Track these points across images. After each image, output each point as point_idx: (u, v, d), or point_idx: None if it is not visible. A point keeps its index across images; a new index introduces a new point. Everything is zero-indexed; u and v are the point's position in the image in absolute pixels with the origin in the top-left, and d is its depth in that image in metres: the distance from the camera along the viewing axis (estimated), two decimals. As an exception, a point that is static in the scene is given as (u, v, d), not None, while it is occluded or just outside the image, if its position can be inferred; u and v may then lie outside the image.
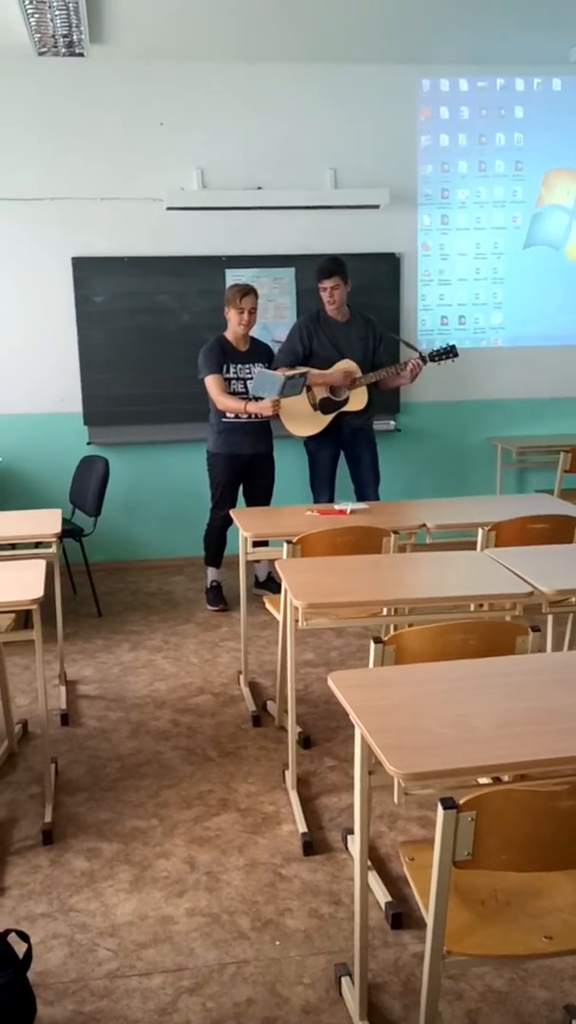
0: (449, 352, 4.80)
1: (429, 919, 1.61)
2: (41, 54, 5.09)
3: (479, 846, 1.54)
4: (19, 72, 5.25)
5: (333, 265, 4.76)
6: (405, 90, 5.66)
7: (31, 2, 4.32)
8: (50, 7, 4.40)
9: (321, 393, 4.85)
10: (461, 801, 1.52)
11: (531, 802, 1.54)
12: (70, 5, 4.37)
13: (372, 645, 2.26)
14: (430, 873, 1.58)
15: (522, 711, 1.86)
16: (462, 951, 1.66)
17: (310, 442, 5.02)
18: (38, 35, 4.79)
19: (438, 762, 1.66)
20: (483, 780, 2.03)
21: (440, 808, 1.52)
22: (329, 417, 4.85)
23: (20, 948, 2.03)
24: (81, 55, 5.13)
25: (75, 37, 4.84)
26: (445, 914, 1.60)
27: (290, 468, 5.24)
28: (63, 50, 5.05)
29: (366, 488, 5.05)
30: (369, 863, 2.56)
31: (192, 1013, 2.09)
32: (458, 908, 1.75)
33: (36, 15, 4.50)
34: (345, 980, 2.15)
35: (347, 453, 5.09)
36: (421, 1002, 1.68)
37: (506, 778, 1.98)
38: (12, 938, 2.02)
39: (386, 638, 2.28)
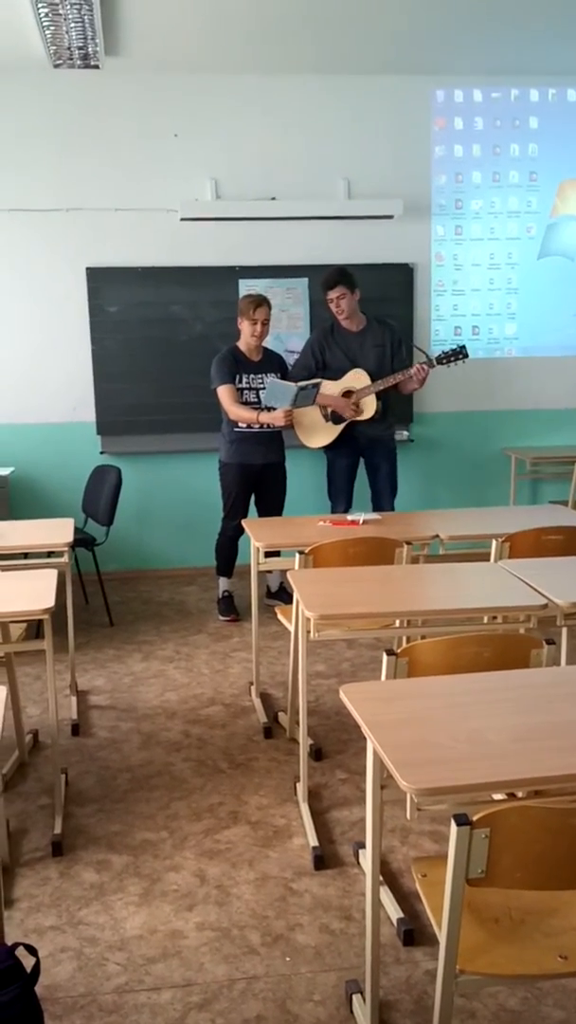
0: (458, 353, 4.74)
1: (442, 937, 1.58)
2: (57, 66, 5.12)
3: (493, 863, 1.52)
4: (35, 84, 5.28)
5: (336, 275, 4.75)
6: (419, 101, 5.66)
7: (47, 15, 4.35)
8: (65, 19, 4.43)
9: (332, 404, 4.84)
10: (475, 818, 1.50)
11: (546, 819, 1.51)
12: (85, 17, 4.40)
13: (384, 657, 2.24)
14: (443, 890, 1.56)
15: (537, 725, 1.84)
16: (475, 970, 1.63)
17: (328, 451, 5.01)
18: (54, 47, 4.82)
19: (451, 777, 1.63)
20: (497, 796, 2.00)
21: (453, 824, 1.49)
22: (340, 427, 4.84)
23: (28, 962, 2.01)
24: (96, 67, 5.15)
25: (90, 49, 4.87)
26: (458, 932, 1.58)
27: (303, 478, 5.23)
28: (78, 62, 5.07)
29: (382, 498, 5.03)
30: (381, 878, 2.53)
31: (201, 1029, 2.07)
32: (471, 926, 1.72)
33: (52, 27, 4.52)
34: (356, 998, 2.12)
35: (366, 462, 5.07)
36: (433, 1022, 1.65)
37: (521, 794, 1.95)
38: (20, 952, 1.99)
39: (399, 650, 2.26)
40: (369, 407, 4.80)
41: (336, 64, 5.33)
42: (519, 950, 1.69)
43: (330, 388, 4.79)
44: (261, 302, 4.67)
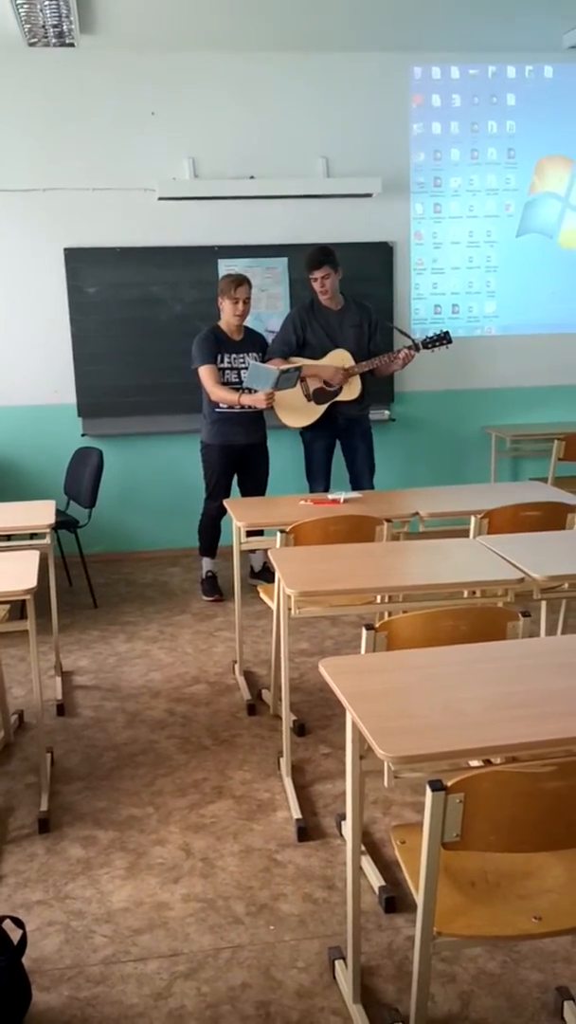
0: (443, 339, 4.78)
1: (419, 900, 1.62)
2: (31, 44, 5.07)
3: (467, 827, 1.56)
4: (9, 63, 5.22)
5: (321, 255, 4.75)
6: (397, 78, 5.64)
7: (20, -8, 4.31)
8: (39, -3, 4.38)
9: (315, 383, 4.84)
10: (449, 783, 1.53)
11: (519, 783, 1.55)
12: (59, -6, 4.36)
13: (363, 632, 2.27)
14: (420, 855, 1.60)
15: (511, 695, 1.88)
16: (452, 932, 1.67)
17: (305, 432, 5.02)
18: (28, 25, 4.77)
19: (427, 745, 1.67)
20: (475, 763, 2.04)
21: (428, 790, 1.53)
22: (323, 407, 4.85)
23: (15, 935, 2.05)
24: (71, 45, 5.10)
25: (65, 27, 4.82)
26: (435, 895, 1.62)
27: (284, 458, 5.24)
28: (53, 40, 5.02)
29: (361, 478, 5.05)
30: (363, 848, 2.58)
31: (187, 998, 2.11)
32: (448, 890, 1.76)
33: (26, 5, 4.47)
34: (339, 964, 2.16)
35: (343, 443, 5.09)
36: (413, 983, 1.70)
37: (498, 760, 1.99)
38: (7, 925, 2.03)
39: (377, 624, 2.29)
40: (354, 388, 4.82)
41: (314, 41, 5.30)
42: (495, 912, 1.73)
43: (314, 371, 4.80)
44: (242, 281, 4.66)
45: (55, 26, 4.81)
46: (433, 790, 1.52)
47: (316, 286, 4.80)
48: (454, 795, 1.53)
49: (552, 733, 1.70)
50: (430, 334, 4.84)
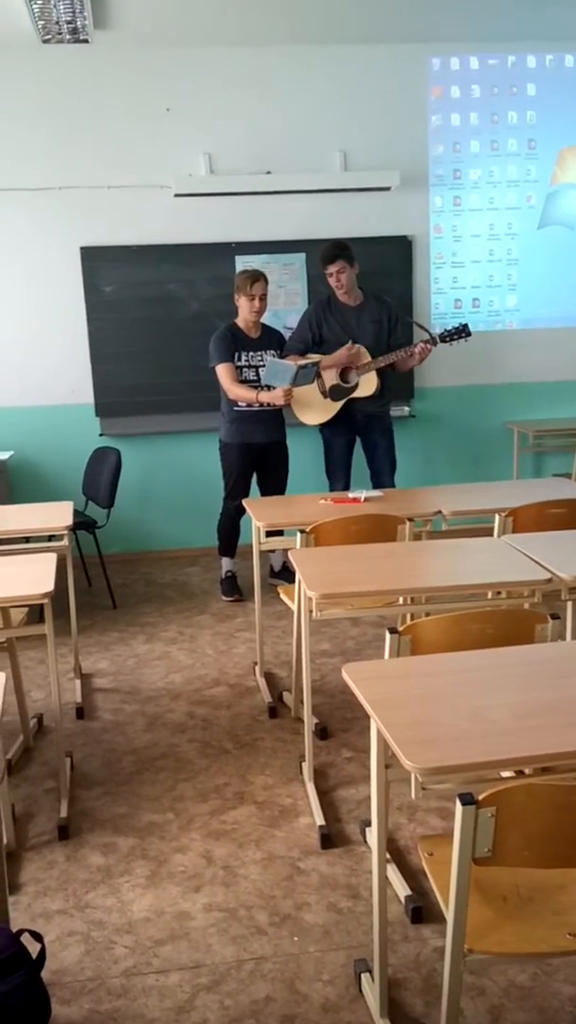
0: (461, 332, 4.69)
1: (449, 918, 1.56)
2: (45, 41, 5.03)
3: (499, 842, 1.50)
4: (23, 60, 5.19)
5: (336, 250, 4.68)
6: (415, 69, 5.56)
7: (33, -12, 4.27)
8: (53, -7, 4.35)
9: (331, 380, 4.78)
10: (480, 796, 1.47)
11: (553, 796, 1.49)
12: (73, -10, 4.32)
13: (387, 636, 2.21)
14: (450, 869, 1.54)
15: (542, 702, 1.81)
16: (483, 949, 1.62)
17: (325, 429, 4.96)
18: (42, 22, 4.73)
19: (455, 756, 1.61)
20: (505, 773, 1.98)
21: (459, 804, 1.47)
22: (339, 404, 4.79)
23: (34, 948, 2.00)
24: (85, 41, 5.06)
25: (79, 23, 4.78)
26: (465, 913, 1.56)
27: (304, 456, 5.19)
28: (67, 37, 4.98)
29: (381, 475, 4.99)
30: (388, 856, 2.52)
31: (210, 1011, 2.06)
32: (479, 904, 1.70)
33: (40, 2, 4.44)
34: (365, 976, 2.11)
35: (363, 440, 5.03)
36: (442, 1002, 1.64)
37: (528, 771, 1.93)
38: (25, 938, 1.99)
39: (401, 628, 2.23)
40: (370, 384, 4.75)
41: (329, 33, 5.23)
42: (528, 928, 1.67)
43: (329, 362, 4.74)
44: (258, 277, 4.61)
45: (69, 22, 4.77)
46: (463, 804, 1.46)
47: (332, 281, 4.74)
48: (485, 809, 1.47)
49: (586, 743, 1.64)
50: (448, 327, 4.77)
